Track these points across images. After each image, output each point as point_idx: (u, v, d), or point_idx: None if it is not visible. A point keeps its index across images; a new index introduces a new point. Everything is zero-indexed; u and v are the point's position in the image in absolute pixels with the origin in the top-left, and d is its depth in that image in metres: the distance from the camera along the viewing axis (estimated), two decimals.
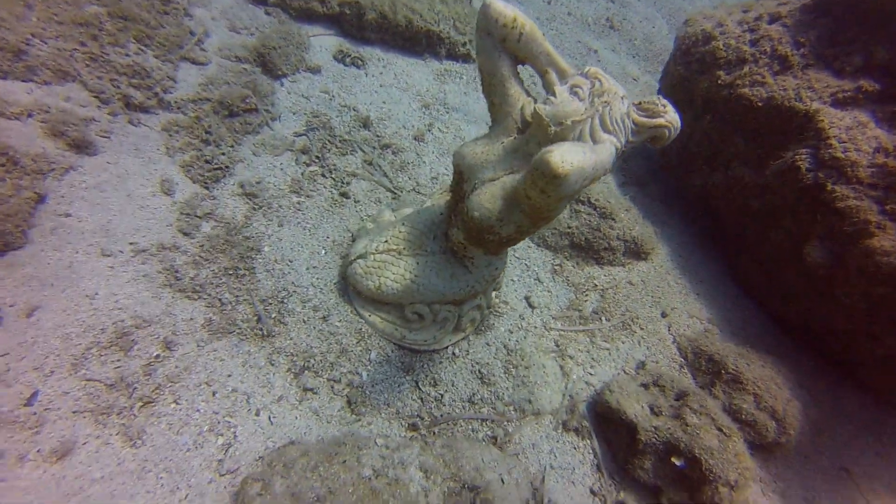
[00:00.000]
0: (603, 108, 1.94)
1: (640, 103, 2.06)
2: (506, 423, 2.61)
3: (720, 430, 2.56)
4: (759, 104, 3.65)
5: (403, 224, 2.60)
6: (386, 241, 2.56)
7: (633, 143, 2.08)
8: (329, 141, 3.34)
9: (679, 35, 4.55)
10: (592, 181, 1.88)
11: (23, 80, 2.49)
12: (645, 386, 2.96)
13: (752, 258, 3.94)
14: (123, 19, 2.83)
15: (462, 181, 2.30)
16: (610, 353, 3.20)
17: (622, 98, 1.99)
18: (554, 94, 1.99)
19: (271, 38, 3.54)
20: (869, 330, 3.22)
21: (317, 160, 3.20)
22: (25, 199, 2.12)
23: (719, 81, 3.93)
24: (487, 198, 2.10)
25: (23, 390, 1.86)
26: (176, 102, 2.93)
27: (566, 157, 1.57)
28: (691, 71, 4.23)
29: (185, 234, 2.52)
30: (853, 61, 3.40)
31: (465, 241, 2.39)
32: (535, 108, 1.99)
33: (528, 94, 2.23)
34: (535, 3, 6.35)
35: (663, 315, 3.63)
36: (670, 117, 2.04)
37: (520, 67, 2.23)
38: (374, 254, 2.54)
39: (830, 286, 3.28)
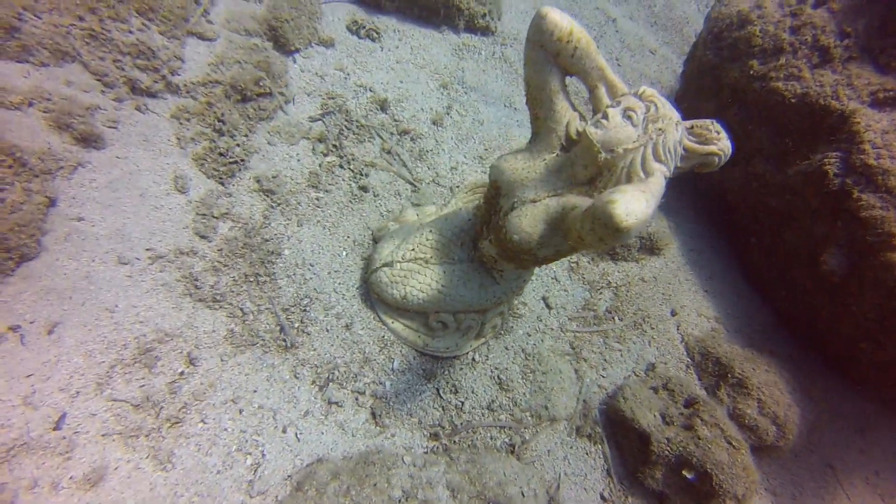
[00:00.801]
0: (657, 137, 1.84)
1: (692, 127, 1.96)
2: (523, 430, 2.66)
3: (729, 442, 2.64)
4: (793, 100, 3.51)
5: (431, 231, 2.51)
6: (413, 249, 2.48)
7: (680, 170, 1.99)
8: (346, 127, 3.16)
9: (712, 15, 4.30)
10: None
11: (17, 61, 2.26)
12: (655, 389, 3.03)
13: (764, 255, 3.94)
14: None
15: (499, 195, 2.20)
16: (622, 355, 3.24)
17: (676, 124, 1.88)
18: (605, 116, 1.87)
19: (282, 9, 3.26)
20: (875, 338, 3.28)
21: (334, 149, 3.04)
22: (37, 205, 1.98)
23: (751, 72, 3.75)
24: (529, 221, 2.02)
25: (50, 413, 1.82)
26: (185, 86, 2.71)
27: (631, 209, 1.48)
28: (721, 58, 4.03)
29: (203, 236, 2.41)
30: None
31: (496, 256, 2.32)
32: (585, 131, 1.87)
33: (575, 108, 2.10)
34: None
35: (673, 314, 3.66)
36: (723, 145, 1.95)
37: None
38: (400, 262, 2.47)
39: (842, 293, 3.31)
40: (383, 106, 3.42)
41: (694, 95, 4.36)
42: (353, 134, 3.17)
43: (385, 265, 2.49)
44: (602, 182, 1.93)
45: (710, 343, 3.46)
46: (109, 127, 2.42)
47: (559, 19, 1.84)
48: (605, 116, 1.86)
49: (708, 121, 1.96)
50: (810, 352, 3.78)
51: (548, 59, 1.94)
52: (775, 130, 3.71)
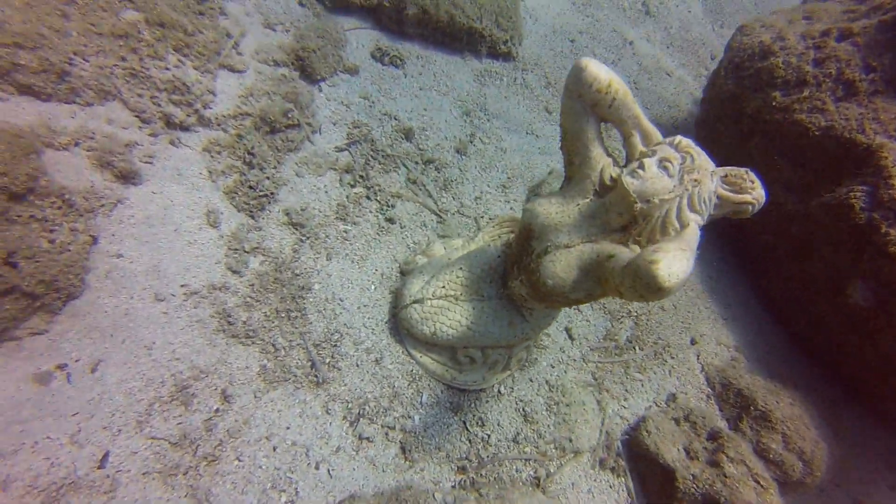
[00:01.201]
0: (693, 188, 1.85)
1: (726, 175, 1.97)
2: (547, 462, 2.67)
3: (757, 481, 2.64)
4: (816, 133, 3.51)
5: (460, 268, 2.54)
6: (443, 287, 2.51)
7: (713, 217, 2.01)
8: (372, 156, 3.20)
9: (732, 44, 4.32)
10: None
11: (66, 102, 2.32)
12: (676, 421, 3.03)
13: (784, 283, 3.93)
14: (161, 26, 2.62)
15: (531, 238, 2.22)
16: (643, 385, 3.24)
17: (712, 174, 1.90)
18: (641, 166, 1.90)
19: (309, 38, 3.31)
20: None
21: (361, 180, 3.08)
22: (82, 244, 2.03)
23: (774, 103, 3.76)
24: (563, 267, 2.04)
25: (95, 451, 1.85)
26: (216, 119, 2.76)
27: (673, 270, 1.50)
28: (743, 87, 4.05)
29: (235, 272, 2.44)
30: None
31: (527, 296, 2.34)
32: (622, 181, 1.89)
33: (608, 154, 2.13)
34: None
35: (692, 342, 3.66)
36: (757, 194, 1.96)
37: None
38: (430, 299, 2.50)
39: (864, 324, 3.30)
40: (408, 135, 3.46)
41: (714, 123, 4.38)
42: (379, 164, 3.21)
43: (415, 302, 2.52)
44: (637, 230, 1.95)
45: (730, 373, 3.45)
46: (146, 162, 2.48)
47: (598, 71, 1.86)
48: (642, 167, 1.88)
49: (742, 170, 1.97)
50: (833, 383, 3.76)
51: (585, 108, 1.97)
52: (797, 161, 3.71)
